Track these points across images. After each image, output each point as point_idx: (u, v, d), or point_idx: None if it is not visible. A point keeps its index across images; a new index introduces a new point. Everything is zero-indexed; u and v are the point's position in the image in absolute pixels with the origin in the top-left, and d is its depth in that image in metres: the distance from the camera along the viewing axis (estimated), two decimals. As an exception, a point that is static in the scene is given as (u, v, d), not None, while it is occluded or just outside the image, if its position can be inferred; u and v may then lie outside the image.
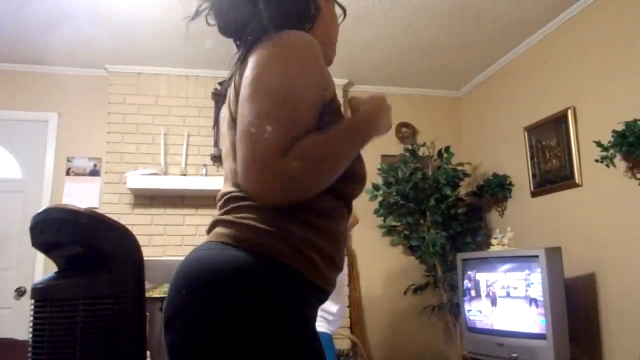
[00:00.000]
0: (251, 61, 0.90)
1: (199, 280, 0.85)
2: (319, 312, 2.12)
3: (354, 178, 0.97)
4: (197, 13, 1.02)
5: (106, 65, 3.87)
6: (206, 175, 3.82)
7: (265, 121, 0.82)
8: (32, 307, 1.02)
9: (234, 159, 0.93)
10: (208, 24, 1.02)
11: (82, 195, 3.75)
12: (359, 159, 0.98)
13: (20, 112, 3.83)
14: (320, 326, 2.17)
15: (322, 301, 0.97)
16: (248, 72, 0.89)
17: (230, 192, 0.94)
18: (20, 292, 3.61)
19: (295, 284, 0.87)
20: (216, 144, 3.88)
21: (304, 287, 0.89)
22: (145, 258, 1.26)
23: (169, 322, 0.88)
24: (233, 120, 0.94)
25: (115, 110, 3.86)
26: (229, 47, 1.10)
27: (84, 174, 3.84)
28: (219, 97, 4.09)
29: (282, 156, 0.81)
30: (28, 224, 1.25)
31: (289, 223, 0.88)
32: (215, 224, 0.94)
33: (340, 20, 1.13)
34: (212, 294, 0.83)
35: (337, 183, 0.91)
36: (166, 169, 3.81)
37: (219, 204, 0.97)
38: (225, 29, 1.03)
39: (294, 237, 0.87)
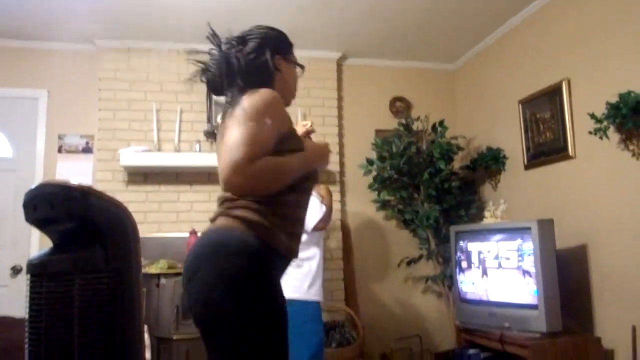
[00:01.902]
0: (238, 106, 1.42)
1: (215, 248, 1.34)
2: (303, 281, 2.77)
3: (312, 177, 1.53)
4: (192, 80, 1.65)
5: (95, 40, 3.80)
6: (200, 151, 3.80)
7: (241, 141, 1.32)
8: (28, 282, 1.02)
9: None
10: (201, 81, 1.65)
11: (75, 173, 3.72)
12: None
13: (9, 89, 3.77)
14: (313, 294, 2.77)
15: (287, 265, 1.47)
16: (235, 112, 1.41)
17: (226, 196, 1.41)
18: (16, 270, 3.61)
19: (271, 253, 1.38)
20: (209, 119, 3.84)
21: (276, 256, 1.40)
22: (140, 235, 1.27)
23: (193, 276, 1.31)
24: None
25: (106, 86, 3.81)
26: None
27: (76, 152, 3.81)
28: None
29: (249, 163, 1.30)
30: (21, 203, 1.25)
31: (267, 215, 1.37)
32: (219, 215, 1.42)
33: (299, 74, 1.66)
34: (226, 254, 1.31)
35: (301, 181, 1.46)
36: (159, 145, 3.79)
37: (218, 203, 1.45)
38: (211, 89, 1.64)
39: (271, 224, 1.38)
